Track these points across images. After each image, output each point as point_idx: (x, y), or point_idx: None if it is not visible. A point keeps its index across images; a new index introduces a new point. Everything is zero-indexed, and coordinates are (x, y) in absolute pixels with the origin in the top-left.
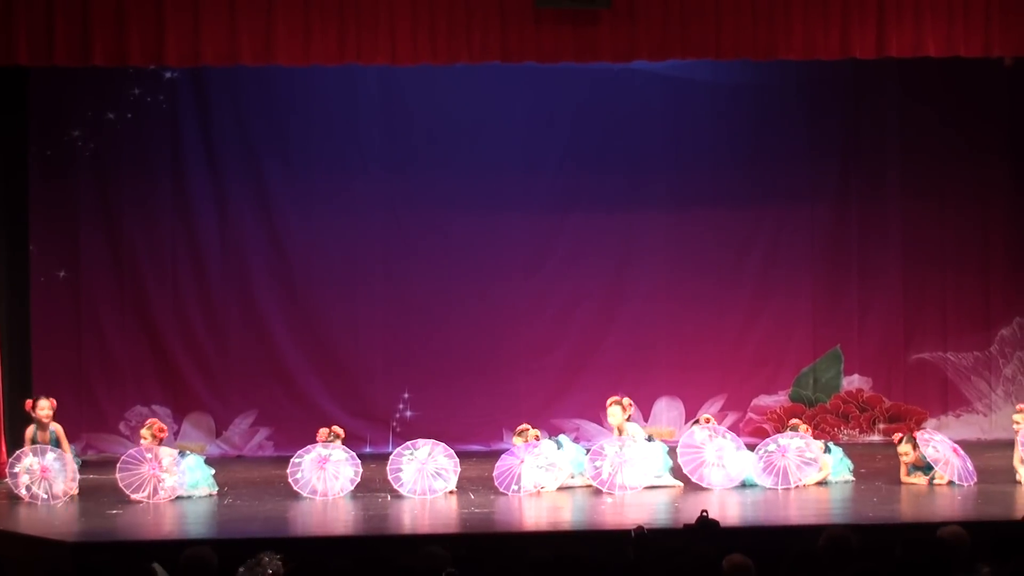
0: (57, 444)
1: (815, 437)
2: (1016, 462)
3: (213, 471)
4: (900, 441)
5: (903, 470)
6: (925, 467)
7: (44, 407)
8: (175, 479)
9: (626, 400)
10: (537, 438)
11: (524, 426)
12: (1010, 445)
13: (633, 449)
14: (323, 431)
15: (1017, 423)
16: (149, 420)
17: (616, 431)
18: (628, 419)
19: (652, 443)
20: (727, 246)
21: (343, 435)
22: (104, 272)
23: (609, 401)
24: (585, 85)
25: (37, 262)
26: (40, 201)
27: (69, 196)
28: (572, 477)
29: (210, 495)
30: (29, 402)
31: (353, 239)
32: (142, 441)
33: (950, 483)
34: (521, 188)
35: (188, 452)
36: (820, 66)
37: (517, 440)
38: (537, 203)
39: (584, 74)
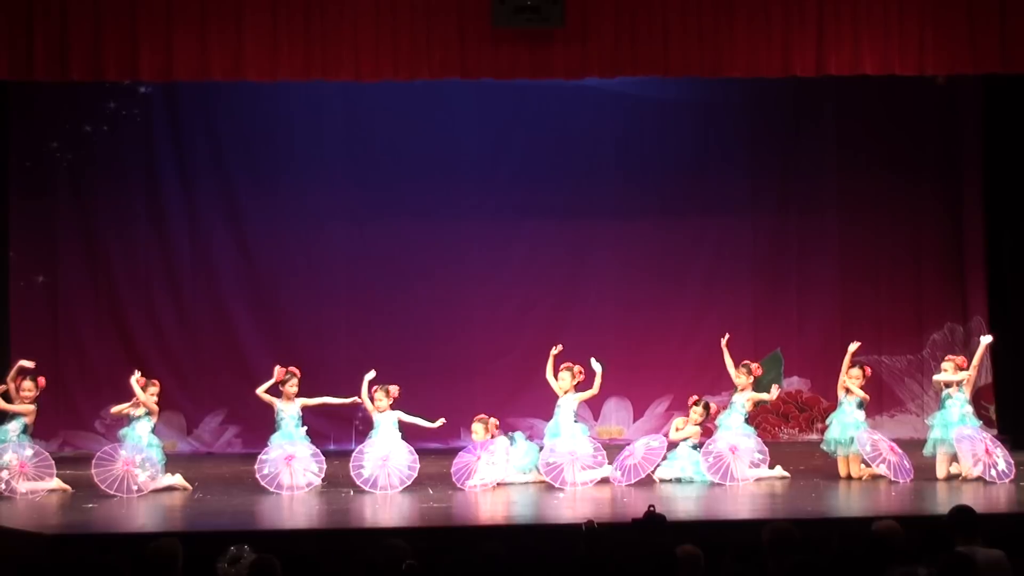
0: (24, 429)
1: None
2: (935, 380)
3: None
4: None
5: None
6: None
7: (28, 387)
8: (147, 474)
9: (576, 367)
10: (496, 427)
11: (483, 416)
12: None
13: (586, 447)
14: (279, 370)
15: (946, 370)
16: (151, 381)
17: (561, 393)
18: (576, 386)
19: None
20: (673, 254)
21: (299, 374)
22: (81, 277)
23: (562, 367)
24: (540, 101)
25: (17, 267)
26: (20, 209)
27: (48, 205)
28: (526, 473)
29: (182, 488)
30: (19, 380)
31: (317, 247)
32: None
33: (875, 478)
34: (477, 199)
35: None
36: (762, 84)
37: (477, 427)
38: (493, 213)
39: (539, 90)
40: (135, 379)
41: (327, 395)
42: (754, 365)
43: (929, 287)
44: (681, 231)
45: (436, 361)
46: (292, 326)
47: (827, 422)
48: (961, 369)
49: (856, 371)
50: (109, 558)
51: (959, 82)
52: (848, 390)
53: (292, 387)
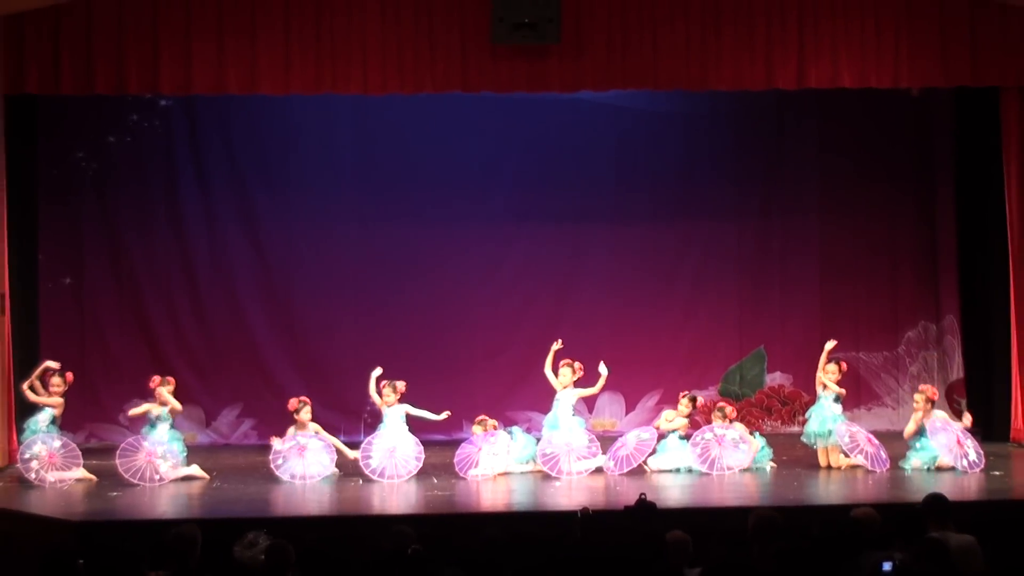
0: (53, 421)
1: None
2: (909, 431)
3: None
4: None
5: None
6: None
7: (57, 383)
8: (169, 464)
9: (576, 364)
10: (495, 427)
11: (482, 417)
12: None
13: (581, 439)
14: (293, 400)
15: (917, 403)
16: (166, 379)
17: (559, 387)
18: (575, 383)
19: (574, 416)
20: (663, 257)
21: (310, 401)
22: (105, 279)
23: (562, 363)
24: (536, 112)
25: (45, 270)
26: (48, 215)
27: (74, 211)
28: (525, 464)
29: (201, 478)
30: (47, 376)
31: (328, 250)
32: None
33: (854, 467)
34: (478, 204)
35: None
36: (747, 96)
37: (476, 429)
38: (493, 218)
39: (536, 102)
40: (164, 389)
41: (336, 387)
42: (728, 409)
43: (904, 287)
44: (670, 234)
45: (439, 357)
46: (303, 323)
47: (806, 415)
48: (930, 401)
49: (832, 367)
50: (131, 543)
51: (932, 94)
52: (825, 385)
53: (306, 414)
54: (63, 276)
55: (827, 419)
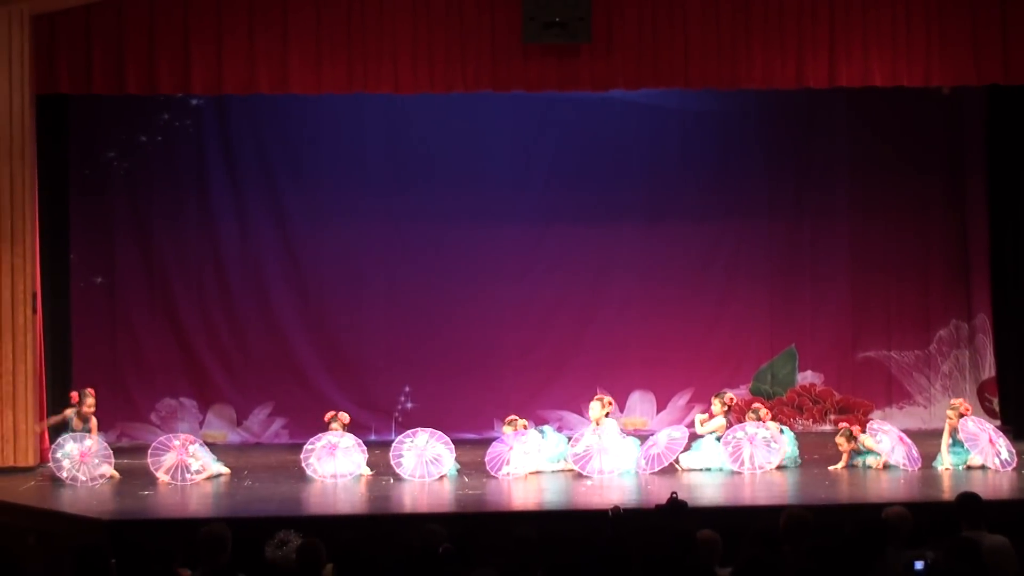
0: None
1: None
2: (944, 448)
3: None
4: (838, 433)
5: (843, 460)
6: (864, 454)
7: (91, 404)
8: (200, 463)
9: (607, 398)
10: (524, 427)
11: (512, 417)
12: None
13: (610, 438)
14: (329, 415)
15: (950, 417)
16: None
17: (594, 423)
18: (607, 415)
19: (625, 439)
20: (694, 256)
21: (347, 421)
22: (137, 278)
23: (594, 397)
24: (567, 111)
25: (77, 269)
26: (80, 215)
27: (105, 210)
28: (556, 463)
29: (225, 476)
30: (75, 395)
31: (359, 249)
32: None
33: (886, 466)
34: (509, 204)
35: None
36: (777, 94)
37: (507, 429)
38: (524, 217)
39: (566, 101)
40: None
41: (368, 386)
42: (763, 412)
43: (936, 286)
44: (700, 233)
45: (471, 355)
46: (334, 322)
47: (853, 462)
48: (962, 416)
49: (841, 439)
50: (162, 541)
51: (963, 91)
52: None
53: (336, 426)
54: (95, 275)
55: (873, 457)
